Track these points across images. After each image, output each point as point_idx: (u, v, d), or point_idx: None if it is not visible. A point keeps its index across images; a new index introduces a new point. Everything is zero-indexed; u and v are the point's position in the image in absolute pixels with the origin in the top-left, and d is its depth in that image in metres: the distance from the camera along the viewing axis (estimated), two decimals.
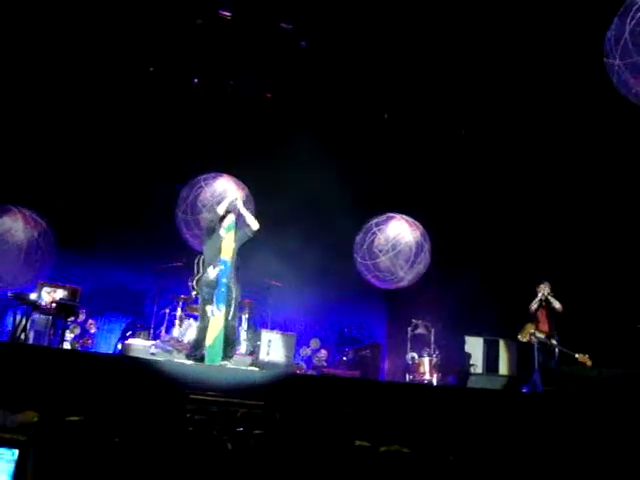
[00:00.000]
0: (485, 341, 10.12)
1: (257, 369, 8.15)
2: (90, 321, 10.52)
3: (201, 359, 7.18)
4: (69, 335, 9.92)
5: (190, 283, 9.46)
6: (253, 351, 9.90)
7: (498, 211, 11.80)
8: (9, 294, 8.91)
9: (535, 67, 10.29)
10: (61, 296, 8.91)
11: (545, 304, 9.27)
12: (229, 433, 4.18)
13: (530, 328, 9.00)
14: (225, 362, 7.28)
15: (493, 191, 11.83)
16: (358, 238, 11.65)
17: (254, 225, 7.79)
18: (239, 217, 7.87)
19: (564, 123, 10.82)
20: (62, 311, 8.70)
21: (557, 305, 9.16)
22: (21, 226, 10.54)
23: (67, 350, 8.94)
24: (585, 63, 8.91)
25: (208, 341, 7.23)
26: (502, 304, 10.42)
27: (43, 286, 8.96)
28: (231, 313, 7.50)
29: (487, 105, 11.33)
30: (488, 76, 10.69)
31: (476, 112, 11.57)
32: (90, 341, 10.44)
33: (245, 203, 8.30)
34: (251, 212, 10.02)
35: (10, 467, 1.77)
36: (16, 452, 1.76)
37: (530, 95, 10.71)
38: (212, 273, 7.55)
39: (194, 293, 9.17)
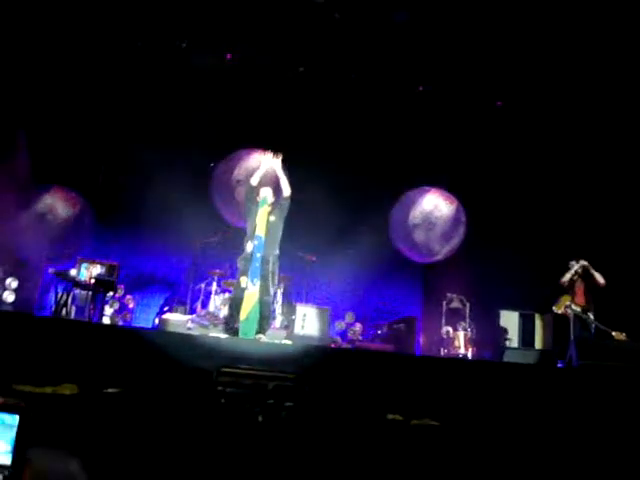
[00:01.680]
0: (520, 315, 10.02)
1: (291, 343, 8.22)
2: (128, 296, 10.73)
3: (236, 332, 7.27)
4: (108, 310, 10.15)
5: None
6: (288, 325, 9.98)
7: (535, 182, 11.60)
8: (50, 271, 9.13)
9: (574, 36, 9.99)
10: (99, 272, 9.08)
11: (584, 278, 9.07)
12: (260, 405, 4.25)
13: (566, 300, 8.82)
14: (259, 336, 7.34)
15: (529, 162, 11.63)
16: (393, 211, 11.64)
17: (286, 191, 7.76)
18: (276, 180, 7.82)
19: (604, 93, 10.54)
20: (101, 287, 8.88)
21: (600, 279, 8.86)
22: (61, 204, 10.80)
23: (106, 325, 9.14)
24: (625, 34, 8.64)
25: (242, 315, 7.30)
26: (538, 277, 10.27)
27: (82, 262, 9.15)
28: (267, 288, 7.53)
29: (524, 75, 11.07)
30: (524, 45, 10.41)
31: (512, 83, 11.32)
32: (129, 316, 10.66)
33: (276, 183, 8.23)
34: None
35: (12, 433, 1.81)
36: (17, 417, 1.79)
37: (568, 64, 10.43)
38: (249, 247, 7.61)
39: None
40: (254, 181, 7.80)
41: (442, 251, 11.45)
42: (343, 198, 11.45)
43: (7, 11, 9.75)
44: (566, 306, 8.80)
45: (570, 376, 6.88)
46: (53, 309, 8.71)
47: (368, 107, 11.63)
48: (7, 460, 1.80)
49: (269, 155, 7.93)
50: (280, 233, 7.76)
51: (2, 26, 9.89)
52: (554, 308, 8.99)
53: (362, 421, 5.04)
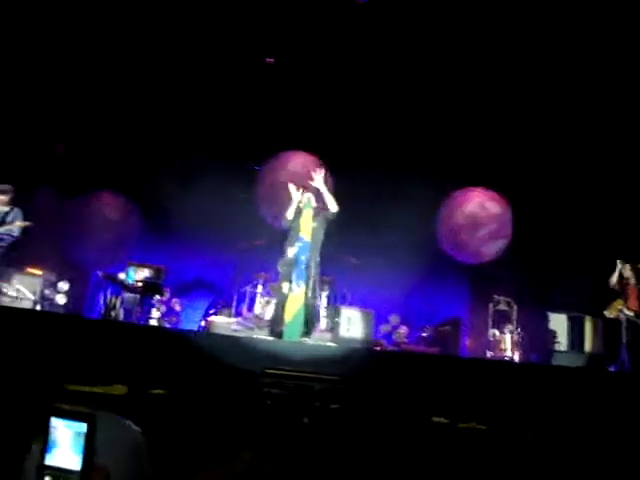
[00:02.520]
0: (569, 317, 9.78)
1: (336, 345, 8.22)
2: (175, 299, 10.90)
3: (280, 335, 7.30)
4: (156, 313, 10.31)
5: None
6: (332, 328, 9.98)
7: (585, 181, 11.35)
8: (99, 274, 9.33)
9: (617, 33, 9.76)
10: (147, 275, 9.25)
11: (637, 281, 8.85)
12: (306, 407, 4.26)
13: (618, 304, 8.64)
14: (305, 338, 7.37)
15: (580, 160, 11.38)
16: (439, 212, 11.54)
17: (333, 207, 7.80)
18: (318, 196, 7.87)
19: None
20: (148, 290, 9.04)
21: None
22: (109, 209, 11.03)
23: (153, 327, 9.29)
24: None
25: (287, 317, 7.34)
26: (588, 279, 10.04)
27: (130, 265, 9.32)
28: (310, 292, 7.55)
29: (566, 74, 10.85)
30: (566, 45, 10.21)
31: (555, 81, 11.10)
32: (175, 319, 10.82)
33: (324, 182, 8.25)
34: (329, 190, 10.11)
35: (82, 440, 1.87)
36: (85, 425, 1.85)
37: (611, 61, 10.18)
38: (290, 252, 7.66)
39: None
40: (289, 215, 7.84)
41: (489, 252, 11.27)
42: (387, 199, 11.39)
43: (51, 23, 10.02)
44: (618, 310, 8.61)
45: (622, 381, 6.71)
46: (102, 311, 8.90)
47: (412, 106, 11.52)
48: (77, 467, 1.88)
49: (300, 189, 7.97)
50: (321, 241, 7.79)
51: (50, 38, 10.18)
52: (606, 312, 8.81)
53: (407, 424, 5.01)
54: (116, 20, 10.22)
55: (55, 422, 1.87)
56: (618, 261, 8.92)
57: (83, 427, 1.84)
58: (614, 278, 8.85)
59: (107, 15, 10.14)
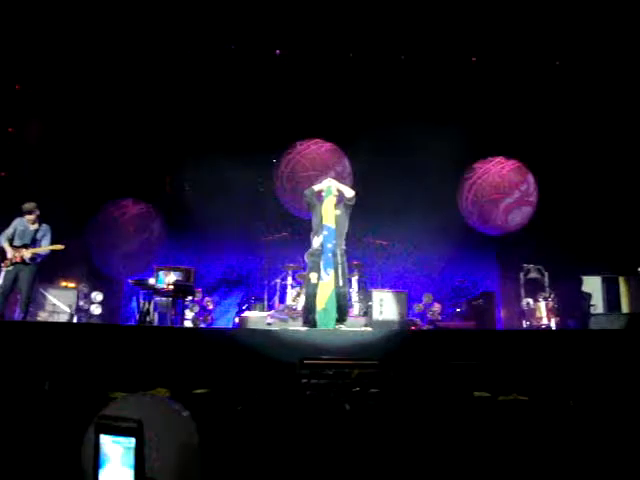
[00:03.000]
0: (603, 279, 9.65)
1: (371, 329, 8.23)
2: (207, 298, 11.02)
3: (314, 324, 7.33)
4: (189, 314, 10.43)
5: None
6: (366, 312, 9.99)
7: (607, 142, 11.18)
8: (130, 281, 9.44)
9: None
10: (176, 278, 9.34)
11: None
12: (346, 394, 4.28)
13: None
14: (339, 325, 7.39)
15: (603, 124, 11.20)
16: (461, 186, 11.46)
17: (348, 193, 7.82)
18: (339, 195, 7.88)
19: None
20: (179, 292, 9.11)
21: None
22: (133, 215, 11.15)
23: (188, 328, 9.38)
24: None
25: (319, 305, 7.35)
26: (618, 239, 9.91)
27: (159, 270, 9.42)
28: (340, 280, 7.56)
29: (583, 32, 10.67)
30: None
31: (573, 42, 10.92)
32: (210, 317, 10.93)
33: (338, 179, 8.36)
34: (348, 177, 10.11)
35: (131, 455, 1.90)
36: (133, 440, 1.89)
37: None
38: (316, 242, 7.68)
39: None
40: (317, 187, 7.88)
41: (515, 222, 11.18)
42: (408, 177, 11.34)
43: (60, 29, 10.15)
44: None
45: None
46: (137, 317, 9.01)
47: (427, 84, 11.46)
48: None
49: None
50: (346, 228, 7.80)
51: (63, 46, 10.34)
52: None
53: (449, 401, 5.01)
54: (128, 23, 10.34)
55: (103, 439, 1.90)
56: None
57: (132, 442, 1.87)
58: None
59: (116, 21, 10.26)
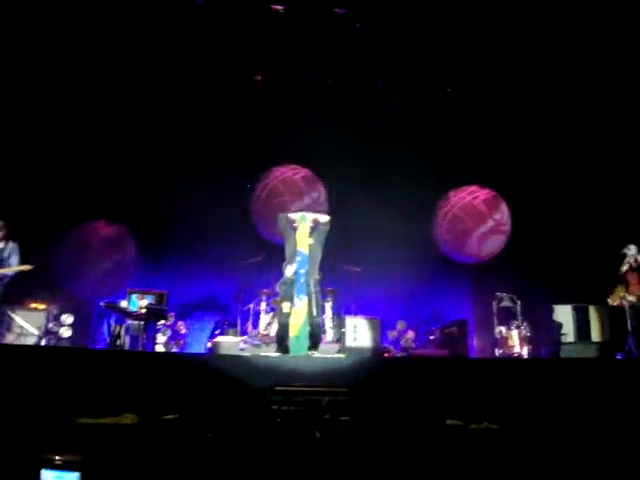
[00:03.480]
0: (574, 308, 9.78)
1: (344, 356, 8.20)
2: (179, 323, 10.90)
3: (287, 350, 7.28)
4: (161, 338, 10.30)
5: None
6: (339, 338, 9.96)
7: (582, 173, 11.39)
8: (102, 304, 9.32)
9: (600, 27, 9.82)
10: (149, 301, 9.24)
11: (636, 267, 8.88)
12: (316, 422, 4.25)
13: (620, 291, 8.66)
14: (312, 352, 7.35)
15: (575, 152, 11.42)
16: (435, 214, 11.56)
17: (323, 219, 7.82)
18: (314, 225, 7.87)
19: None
20: (152, 316, 9.02)
21: None
22: (106, 237, 11.04)
23: (160, 353, 9.27)
24: None
25: (292, 332, 7.31)
26: (589, 269, 10.05)
27: (132, 293, 9.32)
28: (314, 309, 7.51)
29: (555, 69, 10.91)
30: (553, 40, 10.28)
31: (546, 77, 11.16)
32: (182, 342, 10.81)
33: (313, 204, 8.40)
34: (323, 204, 10.13)
35: None
36: (78, 475, 1.83)
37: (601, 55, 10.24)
38: (289, 271, 7.63)
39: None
40: (291, 216, 7.88)
41: (488, 250, 11.28)
42: (385, 206, 11.41)
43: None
44: (621, 297, 8.62)
45: (630, 367, 6.69)
46: (108, 341, 8.88)
47: (402, 110, 11.56)
48: None
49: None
50: (319, 257, 7.78)
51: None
52: (609, 300, 8.82)
53: (421, 429, 5.00)
54: (101, 46, 10.34)
55: (45, 474, 1.83)
56: (632, 246, 8.94)
57: (74, 477, 1.81)
58: (625, 266, 8.88)
59: (89, 43, 10.25)
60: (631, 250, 8.92)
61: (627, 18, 9.54)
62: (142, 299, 9.10)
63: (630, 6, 9.34)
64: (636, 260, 8.81)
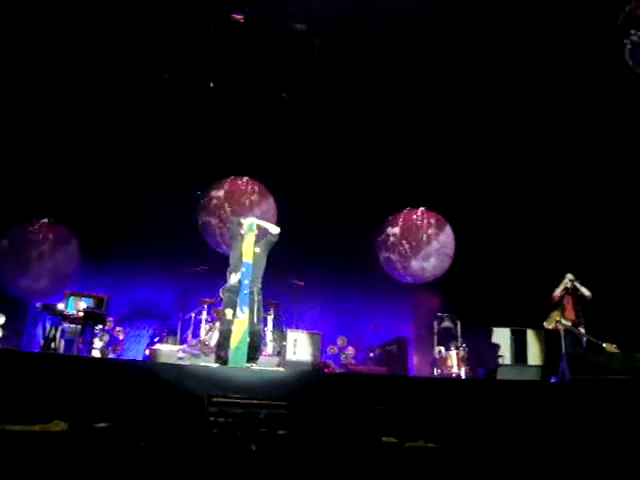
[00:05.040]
0: (512, 331, 10.02)
1: (283, 369, 8.16)
2: (118, 328, 10.69)
3: (226, 361, 7.21)
4: (98, 343, 10.07)
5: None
6: (279, 351, 9.93)
7: (523, 200, 11.69)
8: (38, 305, 9.06)
9: (553, 51, 10.11)
10: (87, 305, 9.03)
11: (572, 292, 9.17)
12: (253, 434, 4.20)
13: (556, 316, 8.92)
14: (251, 364, 7.30)
15: (516, 180, 11.72)
16: (379, 234, 11.65)
17: (274, 230, 7.84)
18: (260, 231, 7.87)
19: (587, 108, 10.65)
20: (89, 320, 8.82)
21: (586, 292, 9.05)
22: (48, 237, 10.74)
23: (95, 358, 9.05)
24: (599, 51, 8.76)
25: (233, 343, 7.24)
26: (528, 294, 10.31)
27: (70, 296, 9.08)
28: (255, 317, 7.50)
29: (505, 94, 11.19)
30: (504, 65, 10.54)
31: (494, 101, 11.44)
32: (119, 348, 10.59)
33: (261, 217, 8.44)
34: (271, 218, 10.11)
35: None
36: None
37: (550, 80, 10.54)
38: (233, 278, 7.59)
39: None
40: (242, 220, 7.87)
41: (430, 272, 11.42)
42: (330, 222, 11.48)
43: None
44: (557, 321, 8.87)
45: (563, 391, 6.87)
46: (42, 344, 8.63)
47: (351, 131, 11.69)
48: None
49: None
50: (264, 267, 7.78)
51: None
52: (545, 324, 9.07)
53: (357, 445, 5.00)
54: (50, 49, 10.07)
55: None
56: (567, 275, 9.23)
57: None
58: (558, 290, 9.14)
59: (37, 46, 9.98)
60: (566, 277, 9.21)
61: (576, 52, 9.86)
62: (80, 302, 8.90)
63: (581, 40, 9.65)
64: (573, 285, 9.09)
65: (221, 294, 7.78)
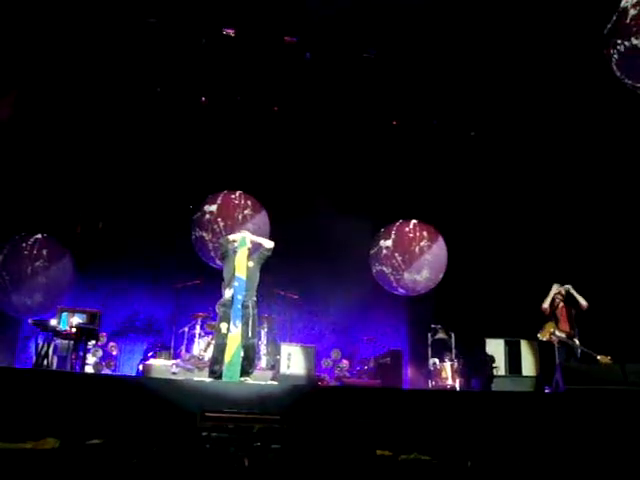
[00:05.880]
0: (506, 342, 10.01)
1: (277, 383, 8.14)
2: (111, 343, 10.63)
3: (220, 376, 7.19)
4: (91, 359, 10.02)
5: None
6: (274, 365, 9.89)
7: (515, 211, 11.73)
8: (30, 321, 9.00)
9: (543, 65, 10.19)
10: (80, 321, 8.99)
11: (567, 302, 9.16)
12: (246, 449, 4.18)
13: (550, 327, 8.92)
14: (245, 378, 7.28)
15: (510, 191, 11.78)
16: (372, 246, 11.66)
17: (268, 244, 7.87)
18: (254, 246, 7.89)
19: (576, 121, 10.73)
20: (82, 335, 8.77)
21: (583, 302, 8.98)
22: (42, 253, 10.69)
23: (88, 374, 8.99)
24: (590, 62, 8.82)
25: (226, 358, 7.23)
26: (521, 305, 10.31)
27: (62, 311, 9.04)
28: (249, 331, 7.49)
29: (497, 106, 11.27)
30: (496, 76, 10.62)
31: (486, 113, 11.52)
32: (113, 363, 10.53)
33: (255, 231, 8.53)
34: (264, 232, 10.11)
35: None
36: None
37: (541, 91, 10.61)
38: (227, 293, 7.59)
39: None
40: (232, 237, 7.90)
41: (424, 283, 11.41)
42: (324, 236, 11.48)
43: None
44: (550, 333, 8.87)
45: (557, 401, 6.87)
46: (34, 360, 8.57)
47: (343, 144, 11.75)
48: None
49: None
50: (257, 280, 7.79)
51: None
52: (539, 335, 9.06)
53: (351, 459, 4.98)
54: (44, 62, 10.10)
55: None
56: (554, 285, 9.22)
57: None
58: (547, 301, 9.14)
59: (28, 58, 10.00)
60: (555, 288, 9.21)
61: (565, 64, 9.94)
62: (73, 318, 8.85)
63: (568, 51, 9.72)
64: (570, 296, 9.08)
65: (216, 309, 7.77)
